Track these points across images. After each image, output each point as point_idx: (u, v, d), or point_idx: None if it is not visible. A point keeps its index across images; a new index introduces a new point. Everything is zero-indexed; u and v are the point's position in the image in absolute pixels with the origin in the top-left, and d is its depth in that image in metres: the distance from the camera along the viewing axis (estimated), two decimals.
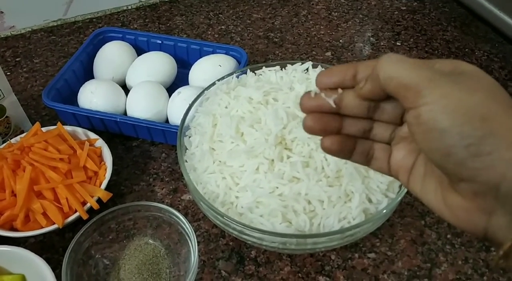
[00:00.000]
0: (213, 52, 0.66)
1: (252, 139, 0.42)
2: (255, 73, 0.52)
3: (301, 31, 0.78)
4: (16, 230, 0.48)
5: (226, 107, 0.45)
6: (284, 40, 0.76)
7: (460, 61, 0.25)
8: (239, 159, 0.41)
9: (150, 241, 0.47)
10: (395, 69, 0.24)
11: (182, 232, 0.46)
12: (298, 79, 0.48)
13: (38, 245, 0.50)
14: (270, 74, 0.50)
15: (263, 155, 0.40)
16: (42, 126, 0.61)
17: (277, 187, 0.39)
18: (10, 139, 0.57)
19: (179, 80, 0.66)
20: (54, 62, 0.73)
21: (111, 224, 0.47)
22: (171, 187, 0.55)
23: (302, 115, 0.42)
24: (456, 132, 0.22)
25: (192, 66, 0.65)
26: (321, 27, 0.79)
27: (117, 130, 0.60)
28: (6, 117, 0.55)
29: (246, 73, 0.53)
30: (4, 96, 0.54)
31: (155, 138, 0.60)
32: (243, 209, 0.39)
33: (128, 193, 0.55)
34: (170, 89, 0.62)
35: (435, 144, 0.23)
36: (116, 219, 0.47)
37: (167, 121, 0.60)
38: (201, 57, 0.67)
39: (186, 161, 0.45)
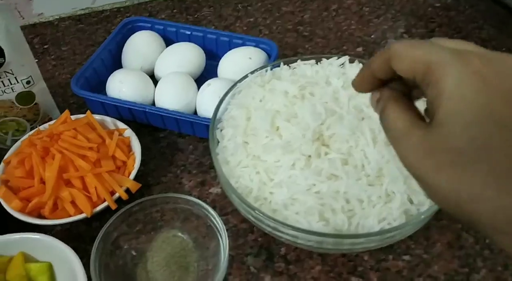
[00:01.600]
0: (242, 44, 0.65)
1: (288, 134, 0.41)
2: (289, 66, 0.50)
3: (331, 25, 0.76)
4: (43, 217, 0.47)
5: (260, 101, 0.44)
6: (313, 34, 0.74)
7: None
8: (274, 154, 0.40)
9: (178, 233, 0.47)
10: None
11: (211, 226, 0.45)
12: (335, 74, 0.47)
13: (65, 234, 0.49)
14: (305, 68, 0.49)
15: (299, 150, 0.39)
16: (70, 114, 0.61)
17: (314, 184, 0.38)
18: (39, 126, 0.57)
19: (208, 72, 0.65)
20: (81, 50, 0.73)
21: (139, 215, 0.47)
22: (198, 179, 0.54)
23: (341, 110, 0.41)
24: None
25: (222, 58, 0.63)
26: (352, 22, 0.77)
27: (145, 121, 0.59)
28: (35, 104, 0.55)
29: (279, 66, 0.51)
30: (34, 83, 0.53)
31: (183, 130, 0.59)
32: (278, 205, 0.38)
33: (155, 184, 0.54)
34: (199, 81, 0.61)
35: None
36: (144, 210, 0.47)
37: (195, 112, 0.59)
38: (230, 49, 0.66)
39: (218, 154, 0.44)
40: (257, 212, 0.38)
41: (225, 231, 0.43)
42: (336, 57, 0.50)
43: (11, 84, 0.52)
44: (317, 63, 0.50)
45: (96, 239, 0.43)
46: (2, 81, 0.51)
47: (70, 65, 0.70)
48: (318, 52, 0.71)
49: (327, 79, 0.46)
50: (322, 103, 0.42)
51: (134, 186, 0.49)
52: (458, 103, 0.21)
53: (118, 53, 0.66)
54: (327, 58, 0.50)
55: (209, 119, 0.54)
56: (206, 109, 0.56)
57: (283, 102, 0.43)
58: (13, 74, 0.51)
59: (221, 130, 0.47)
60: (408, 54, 0.23)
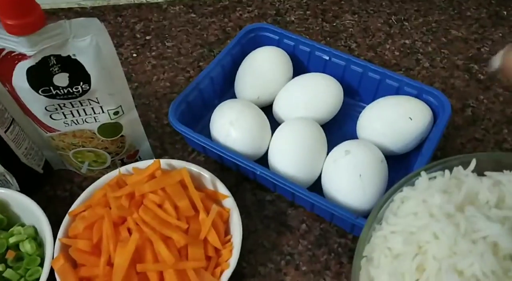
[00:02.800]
0: (398, 90, 0.47)
1: None
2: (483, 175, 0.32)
3: None
4: None
5: (450, 251, 0.27)
6: (493, 80, 0.54)
7: None
8: None
9: None
10: None
11: None
12: None
13: None
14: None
15: None
16: (161, 141, 0.49)
17: None
18: (121, 159, 0.45)
19: (342, 115, 0.49)
20: (188, 51, 0.59)
21: None
22: None
23: None
24: None
25: (366, 108, 0.46)
26: None
27: (251, 177, 0.45)
28: (121, 136, 0.43)
29: (461, 164, 0.33)
30: (123, 113, 0.41)
31: (297, 201, 0.44)
32: None
33: (250, 276, 0.40)
34: (328, 127, 0.45)
35: None
36: None
37: (318, 181, 0.43)
38: (377, 91, 0.48)
39: None
40: None
41: None
42: None
43: (94, 113, 0.40)
44: None
45: None
46: (84, 109, 0.39)
47: (171, 69, 0.57)
48: (497, 111, 0.51)
49: None
50: None
51: None
52: None
53: (232, 70, 0.51)
54: None
55: (338, 207, 0.39)
56: (335, 189, 0.40)
57: (491, 266, 0.26)
58: (98, 103, 0.39)
59: (366, 258, 0.31)
60: None
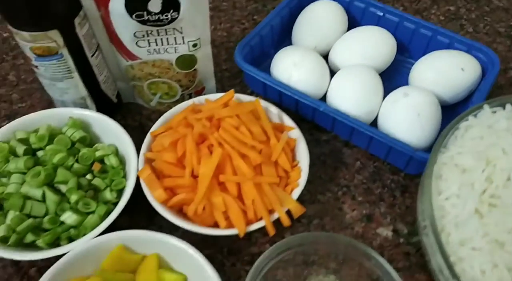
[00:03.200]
0: (448, 46, 0.50)
1: None
2: None
3: None
4: (183, 213, 0.40)
5: None
6: None
7: None
8: None
9: None
10: None
11: None
12: None
13: (200, 236, 0.41)
14: None
15: None
16: (222, 84, 0.52)
17: None
18: (189, 94, 0.48)
19: (393, 69, 0.52)
20: (243, 5, 0.62)
21: (297, 248, 0.37)
22: (364, 211, 0.43)
23: None
24: None
25: (420, 60, 0.50)
26: None
27: (309, 117, 0.49)
28: (194, 70, 0.46)
29: None
30: (199, 46, 0.44)
31: (354, 140, 0.48)
32: None
33: (310, 202, 0.44)
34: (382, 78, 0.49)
35: None
36: (302, 246, 0.37)
37: (373, 121, 0.47)
38: (428, 47, 0.52)
39: (428, 210, 0.32)
40: None
41: None
42: None
43: (176, 43, 0.43)
44: None
45: (250, 272, 0.34)
46: (167, 38, 0.42)
47: (227, 21, 0.60)
48: None
49: None
50: None
51: (298, 210, 0.39)
52: None
53: (290, 22, 0.55)
54: None
55: (397, 141, 0.42)
56: (393, 127, 0.44)
57: None
58: (181, 33, 0.42)
59: (434, 175, 0.34)
60: None
